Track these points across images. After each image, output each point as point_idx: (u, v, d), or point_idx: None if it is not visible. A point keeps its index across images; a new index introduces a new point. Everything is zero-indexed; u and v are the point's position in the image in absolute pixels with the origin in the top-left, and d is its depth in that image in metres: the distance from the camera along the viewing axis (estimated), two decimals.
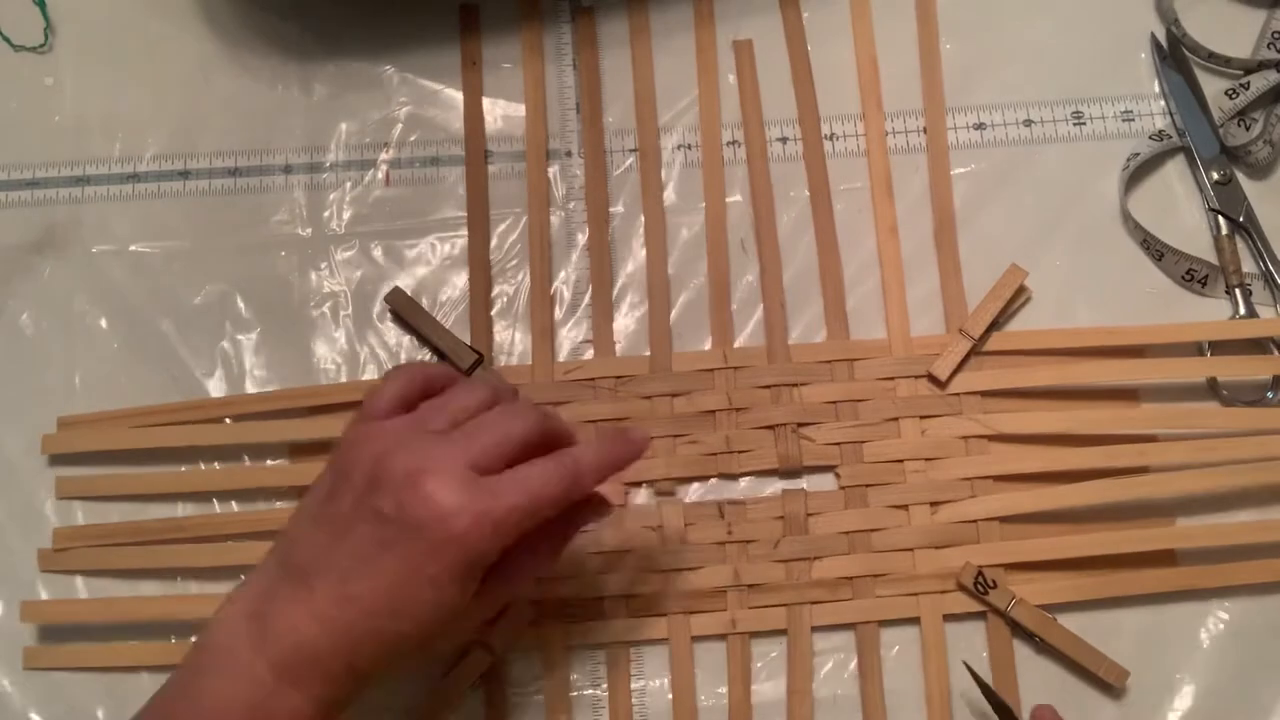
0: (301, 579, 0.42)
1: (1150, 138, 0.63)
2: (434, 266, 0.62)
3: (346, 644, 0.42)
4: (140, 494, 0.58)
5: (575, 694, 0.56)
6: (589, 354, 0.61)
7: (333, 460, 0.45)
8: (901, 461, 0.58)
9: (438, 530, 0.41)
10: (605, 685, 0.56)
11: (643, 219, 0.63)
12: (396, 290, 0.61)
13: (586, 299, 0.61)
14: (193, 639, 0.44)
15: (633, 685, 0.56)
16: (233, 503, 0.59)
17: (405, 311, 0.60)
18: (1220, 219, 0.62)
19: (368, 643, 0.42)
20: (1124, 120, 0.64)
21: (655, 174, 0.63)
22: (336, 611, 0.41)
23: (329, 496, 0.44)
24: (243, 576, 0.56)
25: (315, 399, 0.59)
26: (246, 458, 0.59)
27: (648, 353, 0.60)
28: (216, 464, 0.59)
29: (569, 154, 0.64)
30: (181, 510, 0.58)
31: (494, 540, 0.42)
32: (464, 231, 0.62)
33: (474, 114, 0.64)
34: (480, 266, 0.62)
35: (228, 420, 0.59)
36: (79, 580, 0.58)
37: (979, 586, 0.55)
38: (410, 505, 0.41)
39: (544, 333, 0.61)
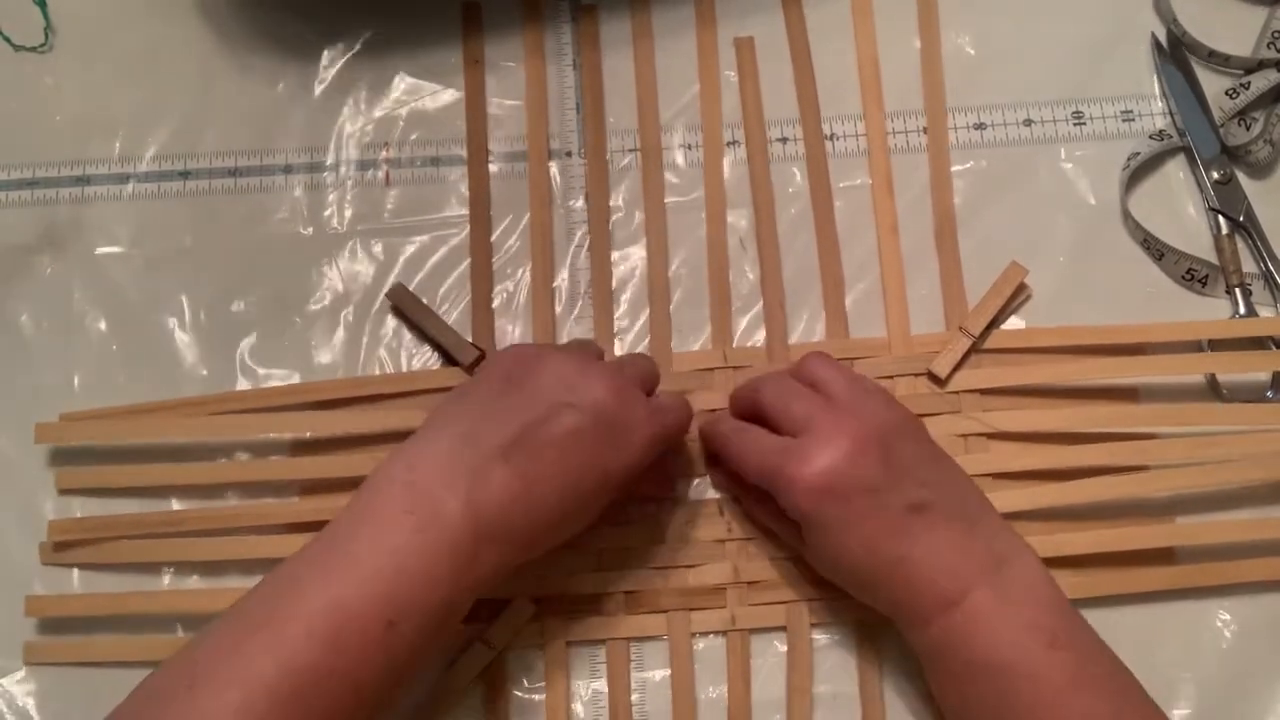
0: (501, 456, 0.46)
1: (1150, 137, 0.63)
2: (435, 265, 0.62)
3: (535, 518, 0.47)
4: (140, 488, 0.58)
5: (575, 690, 0.56)
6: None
7: (501, 368, 0.50)
8: None
9: (627, 435, 0.48)
10: (605, 681, 0.56)
11: (643, 218, 0.63)
12: (398, 286, 0.61)
13: (587, 297, 0.61)
14: (181, 634, 0.46)
15: (633, 682, 0.56)
16: (233, 498, 0.58)
17: (407, 308, 0.60)
18: (1220, 219, 0.62)
19: (550, 519, 0.48)
20: (1124, 120, 0.64)
21: (656, 173, 0.63)
22: (533, 488, 0.46)
23: (513, 388, 0.48)
24: (241, 576, 0.56)
25: (317, 395, 0.59)
26: (248, 454, 0.59)
27: (648, 351, 0.61)
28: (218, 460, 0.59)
29: (569, 153, 0.64)
30: (182, 506, 0.58)
31: (654, 453, 0.50)
32: (465, 230, 0.63)
33: (476, 113, 0.64)
34: (482, 264, 0.62)
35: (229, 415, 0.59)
36: (75, 574, 0.58)
37: None
38: (610, 407, 0.48)
39: (545, 331, 0.61)
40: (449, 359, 0.60)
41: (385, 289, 0.61)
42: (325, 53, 0.65)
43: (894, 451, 0.50)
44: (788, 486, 0.49)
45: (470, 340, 0.60)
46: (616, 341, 0.61)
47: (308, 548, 0.46)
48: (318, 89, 0.65)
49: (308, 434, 0.59)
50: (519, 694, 0.56)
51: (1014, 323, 0.61)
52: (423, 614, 0.44)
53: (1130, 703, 0.47)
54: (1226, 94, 0.63)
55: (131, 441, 0.59)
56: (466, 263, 0.62)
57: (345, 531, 0.45)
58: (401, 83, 0.65)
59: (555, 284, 0.62)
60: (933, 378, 0.59)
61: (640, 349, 0.61)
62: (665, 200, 0.63)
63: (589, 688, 0.56)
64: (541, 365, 0.49)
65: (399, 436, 0.57)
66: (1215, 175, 0.63)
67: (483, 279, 0.61)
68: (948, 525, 0.49)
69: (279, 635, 0.42)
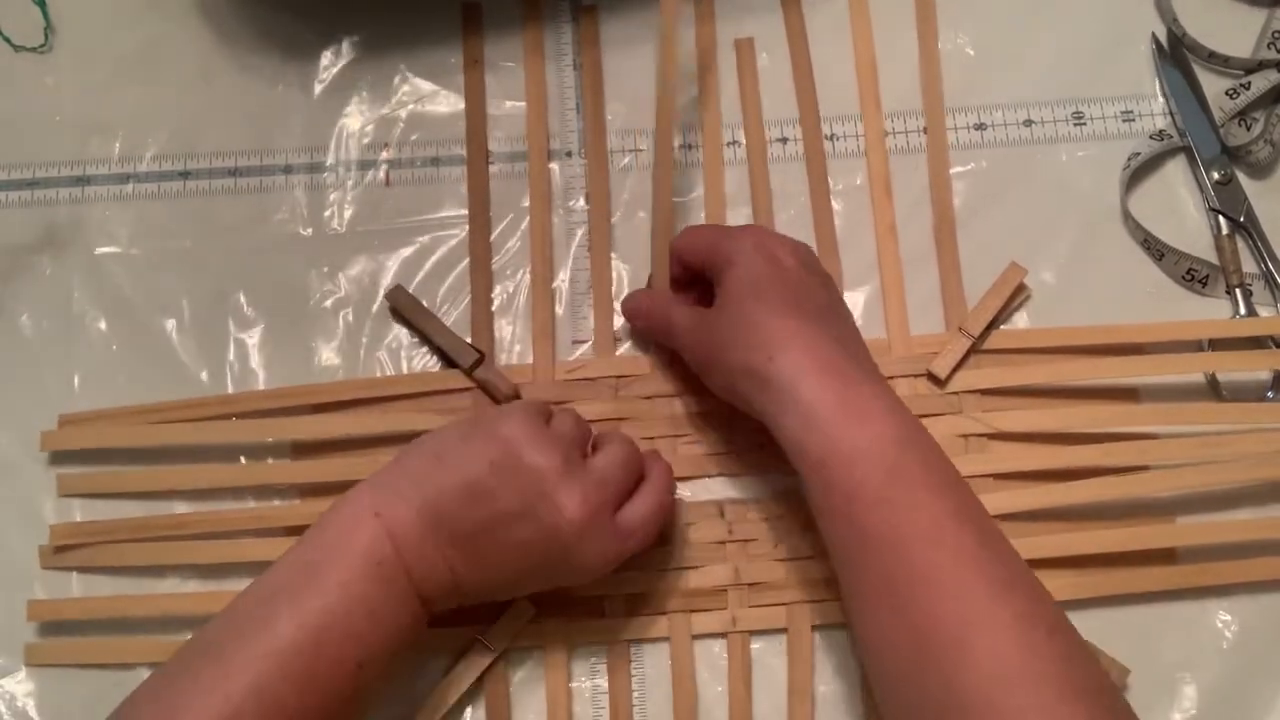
0: (463, 539, 0.48)
1: (1150, 138, 0.63)
2: (435, 265, 0.62)
3: (494, 591, 0.51)
4: (141, 492, 0.58)
5: (576, 692, 0.56)
6: (590, 353, 0.61)
7: (493, 447, 0.49)
8: None
9: (581, 562, 0.50)
10: (606, 684, 0.56)
11: (643, 218, 0.63)
12: (398, 288, 0.61)
13: (587, 298, 0.61)
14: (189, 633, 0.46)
15: (633, 684, 0.56)
16: (233, 501, 0.58)
17: (406, 309, 0.60)
18: (1221, 219, 0.62)
19: (507, 593, 0.53)
20: (1124, 120, 0.64)
21: (656, 173, 0.63)
22: (487, 576, 0.49)
23: (491, 470, 0.48)
24: (242, 578, 0.56)
25: (317, 397, 0.59)
26: (247, 457, 0.59)
27: (649, 353, 0.61)
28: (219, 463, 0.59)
29: (569, 154, 0.64)
30: (183, 509, 0.58)
31: (611, 568, 0.51)
32: (464, 231, 0.62)
33: (476, 113, 0.64)
34: (481, 265, 0.62)
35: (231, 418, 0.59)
36: (74, 577, 0.58)
37: None
38: (571, 532, 0.48)
39: (544, 332, 0.61)
40: (448, 361, 0.60)
41: (384, 290, 0.61)
42: (325, 53, 0.65)
43: (812, 269, 0.54)
44: (734, 236, 0.54)
45: (469, 342, 0.60)
46: (618, 341, 0.61)
47: (273, 577, 0.47)
48: (318, 89, 0.65)
49: (308, 437, 0.59)
50: (519, 696, 0.56)
51: (1014, 323, 0.61)
52: (389, 655, 0.47)
53: (968, 503, 0.47)
54: (1227, 94, 0.63)
55: (131, 445, 0.59)
56: (466, 263, 0.62)
57: (314, 569, 0.47)
58: (402, 83, 0.65)
59: (555, 284, 0.62)
60: (933, 378, 0.59)
61: (640, 348, 0.61)
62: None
63: (590, 690, 0.56)
64: (524, 464, 0.49)
65: (399, 439, 0.57)
66: (1215, 175, 0.63)
67: (482, 280, 0.61)
68: (828, 342, 0.50)
69: (251, 670, 0.44)
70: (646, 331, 0.60)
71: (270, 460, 0.59)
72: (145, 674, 0.55)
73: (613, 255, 0.62)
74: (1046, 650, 0.42)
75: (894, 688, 0.45)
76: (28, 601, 0.57)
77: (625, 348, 0.61)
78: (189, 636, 0.47)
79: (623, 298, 0.61)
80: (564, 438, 0.50)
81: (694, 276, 0.58)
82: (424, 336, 0.60)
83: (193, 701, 0.43)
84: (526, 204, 0.63)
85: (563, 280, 0.62)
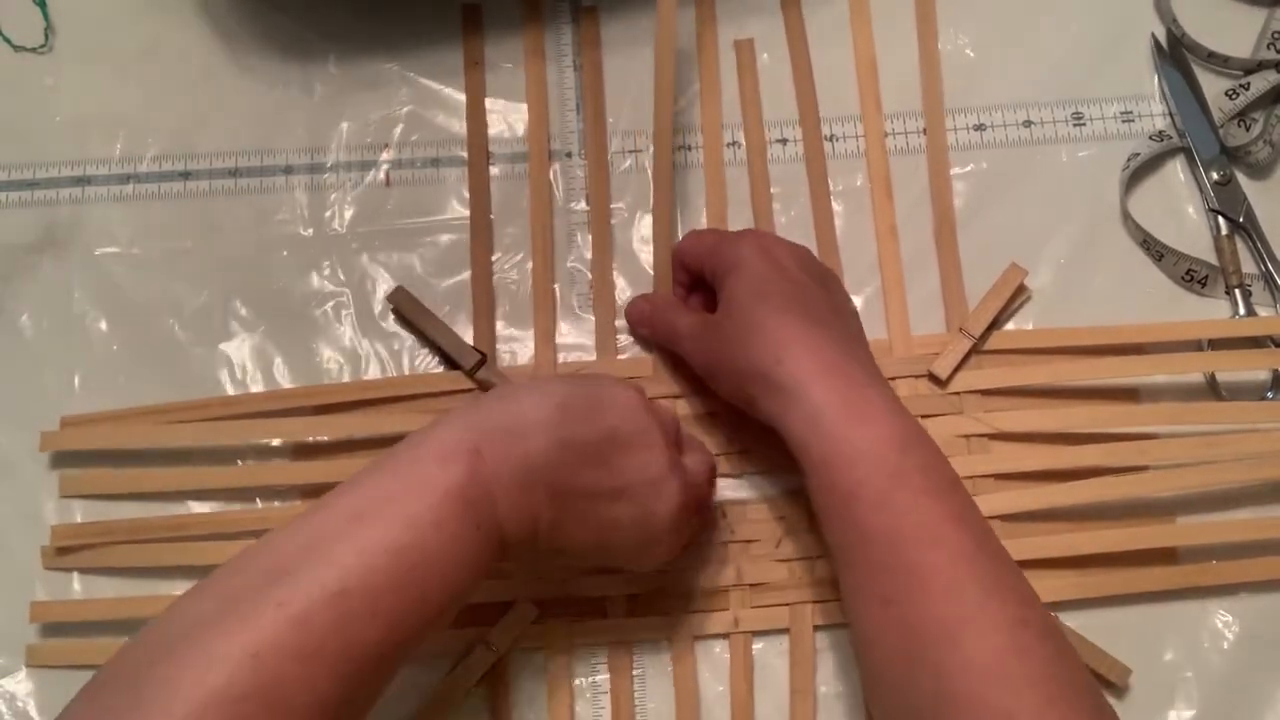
0: (552, 497, 0.47)
1: (1150, 138, 0.64)
2: (435, 266, 0.62)
3: (549, 553, 0.49)
4: (142, 493, 0.58)
5: (578, 693, 0.56)
6: (591, 354, 0.61)
7: (616, 414, 0.48)
8: None
9: (657, 552, 0.51)
10: (608, 684, 0.56)
11: (644, 219, 0.63)
12: (399, 289, 0.61)
13: (589, 300, 0.61)
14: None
15: (635, 684, 0.56)
16: (235, 502, 0.58)
17: (408, 311, 0.60)
18: (1220, 219, 0.62)
19: (565, 559, 0.50)
20: (1124, 120, 0.64)
21: (657, 173, 0.63)
22: (560, 534, 0.48)
23: (613, 441, 0.48)
24: None
25: (318, 399, 0.59)
26: (248, 458, 0.59)
27: (651, 354, 0.61)
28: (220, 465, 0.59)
29: (569, 154, 0.64)
30: (184, 510, 0.58)
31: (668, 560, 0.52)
32: (465, 232, 0.62)
33: (476, 114, 0.64)
34: (482, 266, 0.62)
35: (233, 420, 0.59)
36: (75, 577, 0.58)
37: None
38: (663, 523, 0.49)
39: (546, 334, 0.61)
40: (450, 362, 0.60)
41: (386, 291, 0.61)
42: (325, 53, 0.65)
43: (813, 271, 0.55)
44: (735, 240, 0.55)
45: (471, 343, 0.60)
46: (619, 342, 0.61)
47: (350, 498, 0.44)
48: (318, 89, 0.65)
49: (309, 438, 0.59)
50: (521, 697, 0.56)
51: (1015, 323, 0.61)
52: (463, 592, 0.45)
53: (969, 507, 0.47)
54: (1226, 95, 0.63)
55: (133, 446, 0.59)
56: (467, 264, 0.62)
57: (399, 501, 0.43)
58: (402, 83, 0.65)
59: (556, 285, 0.62)
60: (934, 379, 0.59)
61: (642, 349, 0.61)
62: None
63: (592, 690, 0.56)
64: (644, 443, 0.49)
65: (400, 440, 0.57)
66: (1215, 176, 0.63)
67: (483, 281, 0.61)
68: (832, 345, 0.50)
69: (351, 546, 0.41)
70: (650, 338, 0.60)
71: (272, 462, 0.59)
72: None
73: (614, 256, 0.62)
74: (1038, 652, 0.43)
75: (886, 685, 0.46)
76: (30, 603, 0.57)
77: (627, 347, 0.61)
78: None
79: (625, 304, 0.61)
80: (668, 428, 0.51)
81: (696, 281, 0.59)
82: (425, 338, 0.60)
83: (244, 629, 0.39)
84: (527, 205, 0.63)
85: (564, 281, 0.62)
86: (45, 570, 0.57)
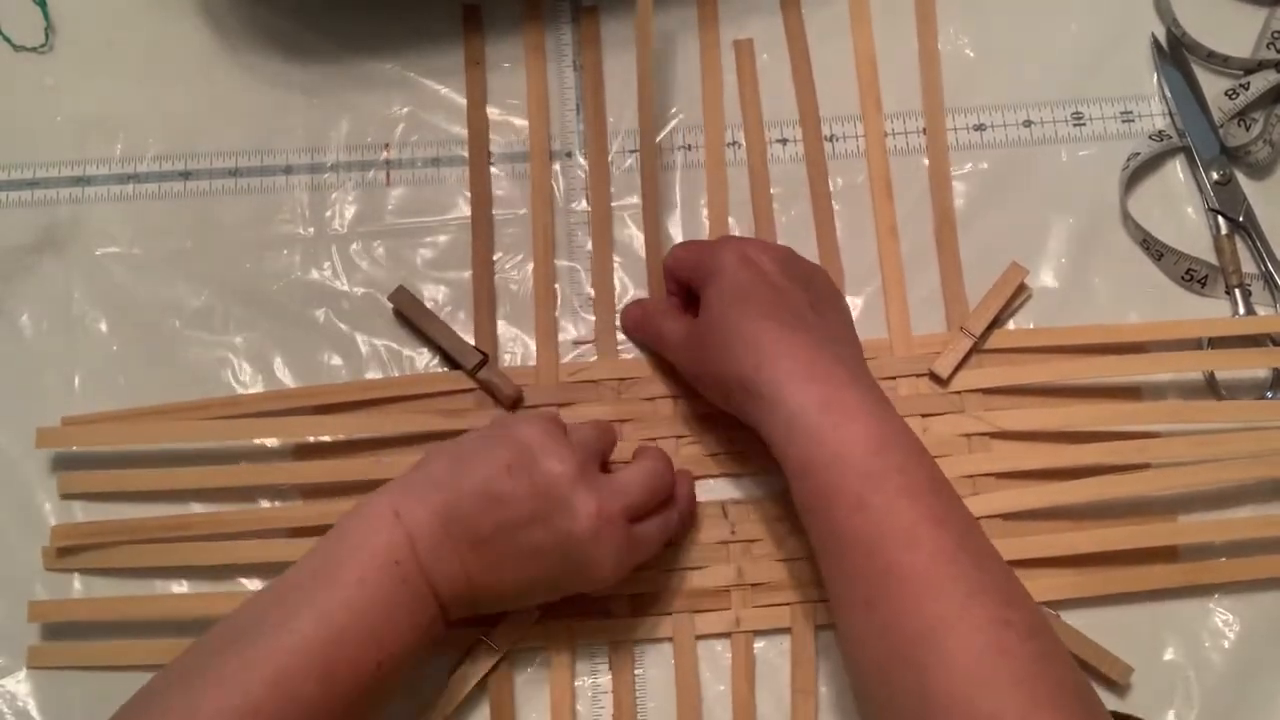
0: (480, 542, 0.48)
1: (1150, 138, 0.64)
2: (436, 266, 0.62)
3: (503, 598, 0.51)
4: (142, 493, 0.58)
5: (579, 693, 0.56)
6: (593, 354, 0.61)
7: (506, 450, 0.49)
8: None
9: (593, 571, 0.50)
10: (609, 684, 0.56)
11: (644, 219, 0.63)
12: (400, 289, 0.61)
13: (589, 300, 0.61)
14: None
15: (636, 684, 0.56)
16: (235, 502, 0.58)
17: (409, 311, 0.60)
18: (1220, 219, 0.62)
19: (516, 601, 0.53)
20: (1124, 120, 0.65)
21: (657, 174, 0.63)
22: (499, 580, 0.49)
23: (508, 473, 0.49)
24: (245, 580, 0.56)
25: (319, 399, 0.59)
26: (249, 459, 0.59)
27: (651, 354, 0.61)
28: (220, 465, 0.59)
29: (570, 154, 0.64)
30: (185, 510, 0.58)
31: (623, 575, 0.51)
32: (466, 232, 0.62)
33: (477, 114, 0.64)
34: (483, 266, 0.62)
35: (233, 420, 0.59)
36: (75, 577, 0.57)
37: None
38: (583, 539, 0.48)
39: (547, 334, 0.61)
40: (451, 362, 0.60)
41: (387, 291, 0.61)
42: (325, 53, 0.65)
43: (794, 272, 0.55)
44: (716, 250, 0.55)
45: (472, 343, 0.60)
46: (620, 343, 0.61)
47: (293, 575, 0.47)
48: (318, 89, 0.65)
49: (310, 438, 0.59)
50: (523, 696, 0.56)
51: (1015, 323, 0.61)
52: (408, 655, 0.47)
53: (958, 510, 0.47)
54: (1226, 94, 0.63)
55: (133, 446, 0.59)
56: (468, 264, 0.62)
57: (333, 567, 0.47)
58: (402, 83, 0.65)
59: (557, 285, 0.62)
60: (935, 378, 0.59)
61: (643, 349, 0.61)
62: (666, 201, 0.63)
63: (593, 690, 0.56)
64: (540, 469, 0.49)
65: (401, 440, 0.57)
66: (1215, 176, 0.63)
67: (484, 281, 0.61)
68: (811, 348, 0.50)
69: (271, 664, 0.44)
70: (642, 343, 0.61)
71: (273, 462, 0.59)
72: (147, 674, 0.55)
73: (614, 256, 0.62)
74: (1021, 653, 0.42)
75: (873, 688, 0.46)
76: (29, 602, 0.56)
77: (627, 347, 0.61)
78: (192, 639, 0.47)
79: (620, 309, 0.61)
80: (582, 446, 0.51)
81: (687, 291, 0.59)
82: (427, 338, 0.60)
83: (210, 692, 0.43)
84: (527, 205, 0.63)
85: (565, 281, 0.62)
86: (45, 570, 0.57)
